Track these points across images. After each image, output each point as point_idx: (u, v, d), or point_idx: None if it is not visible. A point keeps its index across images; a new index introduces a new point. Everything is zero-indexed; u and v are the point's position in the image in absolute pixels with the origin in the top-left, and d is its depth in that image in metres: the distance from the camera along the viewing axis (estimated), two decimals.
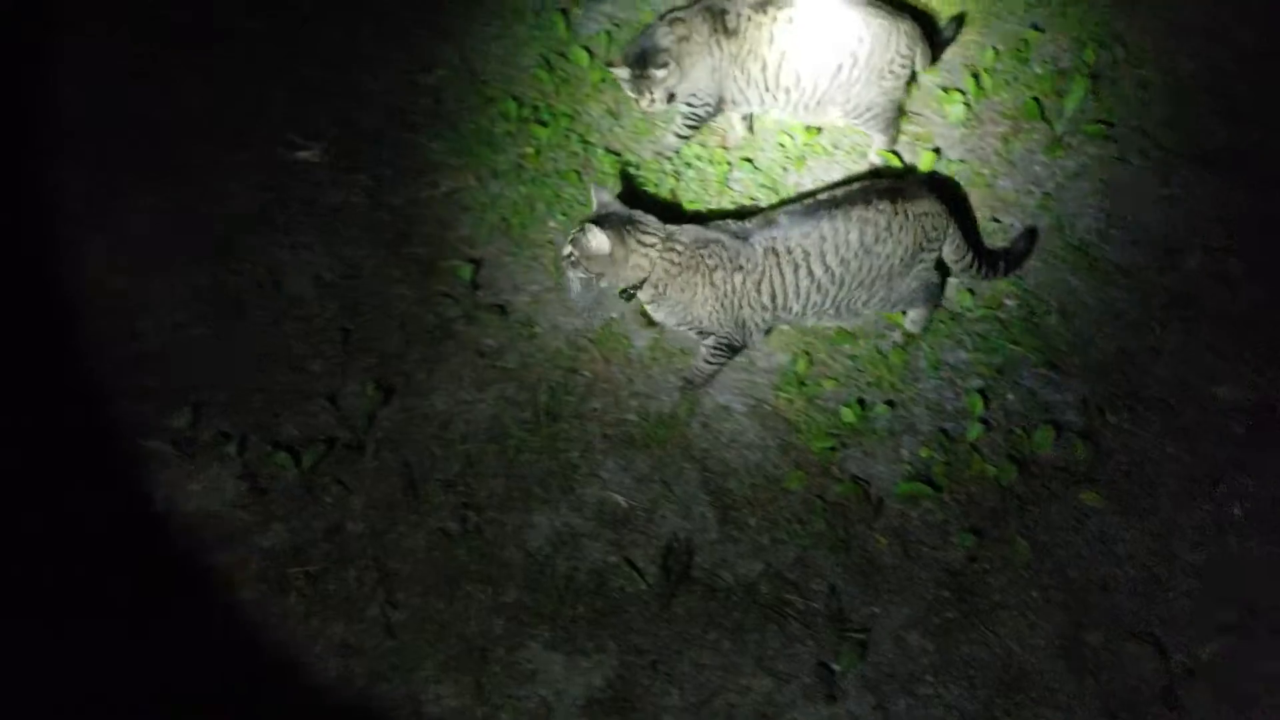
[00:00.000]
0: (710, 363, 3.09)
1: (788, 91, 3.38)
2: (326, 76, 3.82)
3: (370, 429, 3.04)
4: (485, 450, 3.01)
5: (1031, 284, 3.35)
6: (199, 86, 3.77)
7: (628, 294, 2.95)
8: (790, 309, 2.98)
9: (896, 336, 3.24)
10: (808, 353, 3.19)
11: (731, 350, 3.08)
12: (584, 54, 3.81)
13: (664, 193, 3.50)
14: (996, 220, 3.48)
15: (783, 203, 3.44)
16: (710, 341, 3.04)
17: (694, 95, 3.41)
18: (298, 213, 3.50)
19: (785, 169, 3.57)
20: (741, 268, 2.89)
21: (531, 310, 3.30)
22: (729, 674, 2.67)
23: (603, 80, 3.78)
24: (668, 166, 3.57)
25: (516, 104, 3.70)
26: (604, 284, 2.91)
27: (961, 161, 3.62)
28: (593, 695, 2.63)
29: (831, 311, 3.05)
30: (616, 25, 3.94)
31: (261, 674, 2.61)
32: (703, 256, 2.89)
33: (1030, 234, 3.36)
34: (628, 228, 2.86)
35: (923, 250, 2.99)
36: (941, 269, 3.15)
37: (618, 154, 3.60)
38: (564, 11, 3.95)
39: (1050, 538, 2.89)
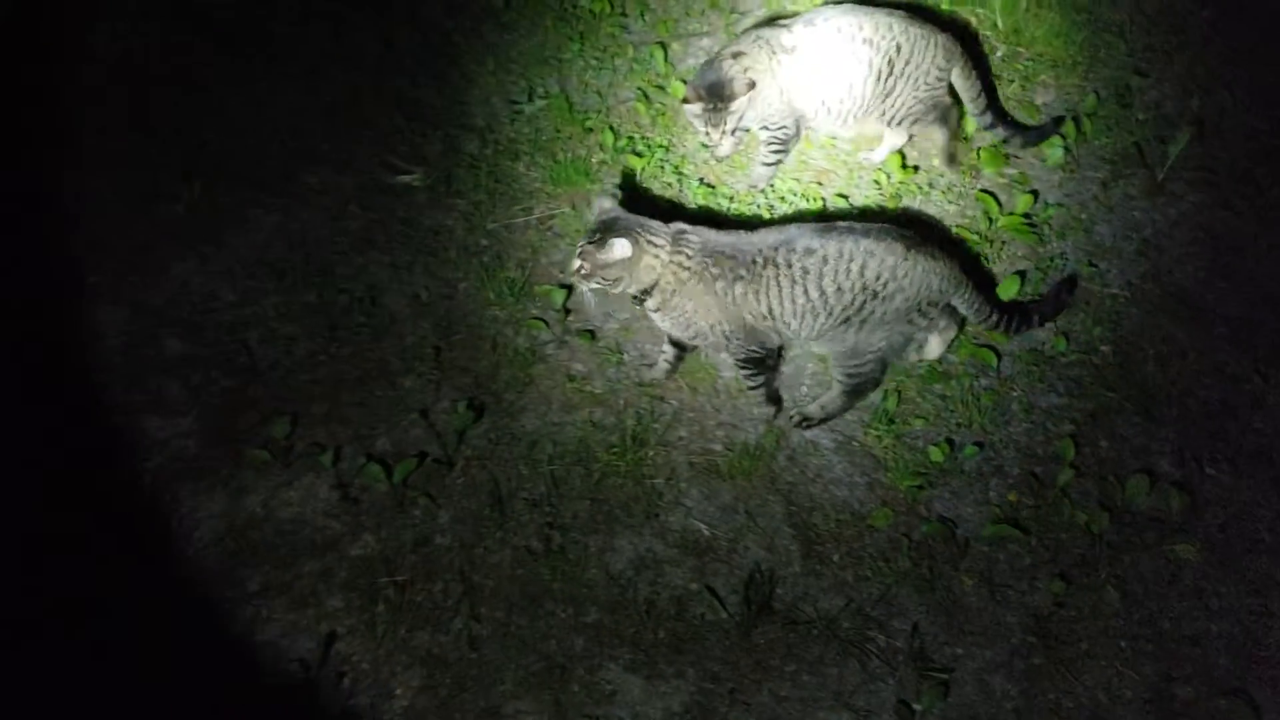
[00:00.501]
0: (749, 382, 3.11)
1: (840, 102, 3.49)
2: (434, 102, 3.94)
3: (460, 446, 3.09)
4: (571, 472, 3.05)
5: (1128, 330, 3.30)
6: (317, 109, 3.93)
7: (638, 299, 2.99)
8: (789, 324, 2.96)
9: (989, 378, 3.21)
10: (898, 390, 3.18)
11: (760, 364, 3.08)
12: (681, 87, 3.87)
13: (758, 224, 3.52)
14: (1093, 265, 3.44)
15: (802, 216, 3.50)
16: (734, 359, 3.07)
17: (768, 120, 3.46)
18: (398, 234, 3.60)
19: (881, 207, 3.57)
20: (741, 277, 2.90)
21: (620, 337, 3.34)
22: (807, 707, 2.66)
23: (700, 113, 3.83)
24: (761, 200, 3.60)
25: (614, 134, 3.77)
26: (618, 290, 2.95)
27: (1059, 205, 3.59)
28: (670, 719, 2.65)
29: (830, 341, 3.00)
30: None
31: (348, 678, 2.66)
32: (708, 264, 2.91)
33: (1069, 282, 3.30)
34: (638, 231, 2.91)
35: (925, 304, 2.94)
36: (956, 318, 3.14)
37: (711, 186, 3.65)
38: (663, 46, 4.03)
39: (1141, 588, 2.82)
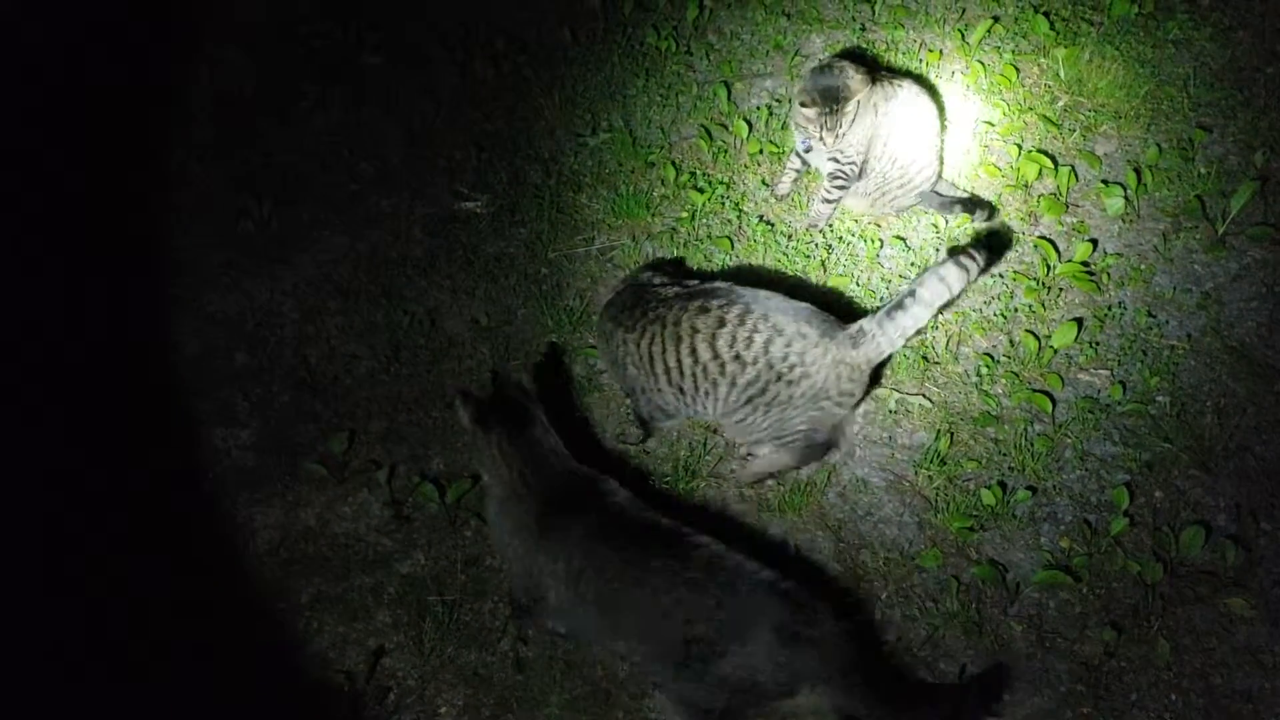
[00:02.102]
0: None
1: (901, 173, 3.59)
2: (503, 133, 4.04)
3: None
4: None
5: (1186, 382, 3.28)
6: (395, 137, 4.06)
7: None
8: (685, 392, 2.87)
9: (1043, 424, 3.20)
10: (951, 432, 3.18)
11: (645, 426, 3.11)
12: (744, 126, 3.93)
13: (814, 265, 3.56)
14: (1151, 316, 3.42)
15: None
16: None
17: (844, 152, 3.49)
18: (460, 259, 3.67)
19: (938, 249, 3.59)
20: (625, 325, 2.87)
21: None
22: None
23: (760, 152, 3.89)
24: (819, 239, 3.63)
25: (675, 170, 3.83)
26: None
27: (1118, 255, 3.58)
28: None
29: (724, 417, 2.88)
30: (777, 100, 4.06)
31: (393, 694, 2.69)
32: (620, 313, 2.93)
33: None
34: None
35: (827, 399, 2.82)
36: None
37: (770, 224, 3.69)
38: (727, 85, 4.09)
39: (1194, 642, 2.78)
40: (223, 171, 3.86)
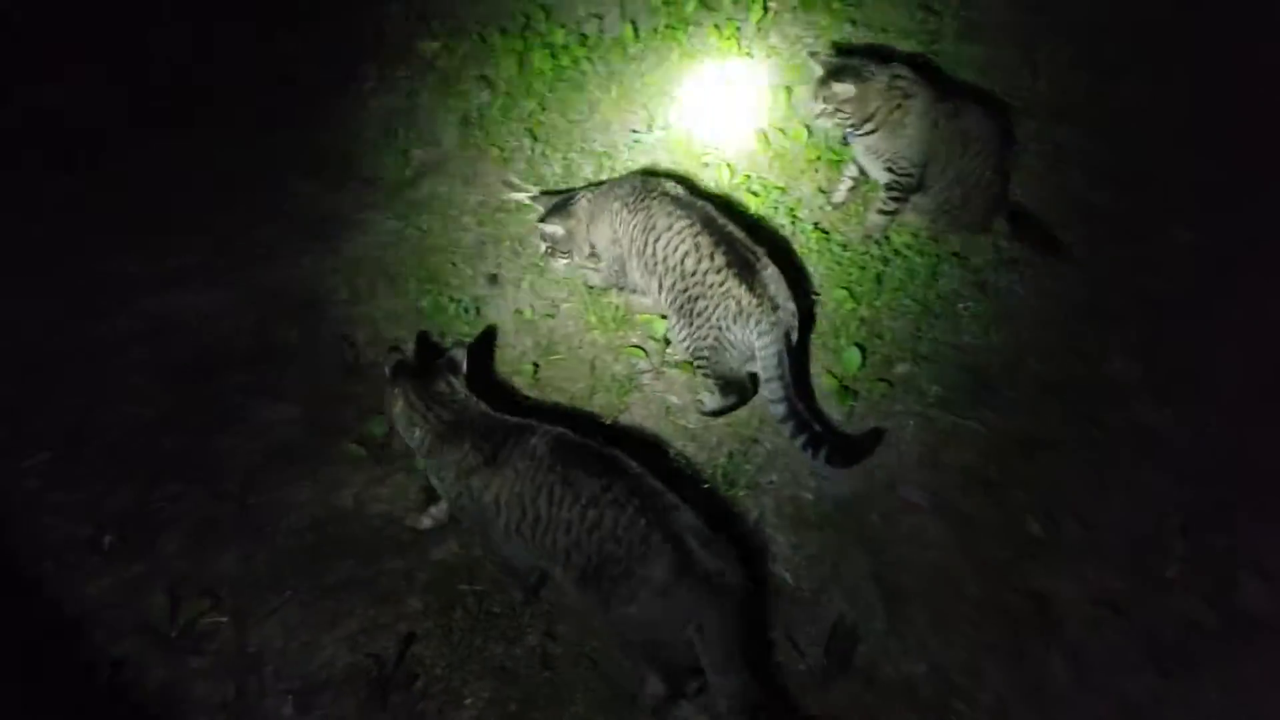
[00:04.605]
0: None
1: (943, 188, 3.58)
2: (558, 125, 4.01)
3: None
4: None
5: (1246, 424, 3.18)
6: (452, 123, 4.03)
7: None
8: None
9: (1096, 453, 3.12)
10: (1001, 457, 3.10)
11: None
12: (803, 131, 3.87)
13: (868, 277, 3.50)
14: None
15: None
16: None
17: (898, 161, 3.43)
18: (508, 250, 3.64)
19: (996, 269, 3.52)
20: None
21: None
22: None
23: (819, 159, 3.83)
24: (875, 251, 3.57)
25: (731, 171, 3.78)
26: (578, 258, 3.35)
27: None
28: None
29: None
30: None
31: (421, 681, 2.66)
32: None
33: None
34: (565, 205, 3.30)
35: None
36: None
37: (825, 233, 3.63)
38: (788, 89, 4.03)
39: (1243, 688, 2.69)
40: (279, 148, 3.85)
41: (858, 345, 3.35)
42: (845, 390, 3.27)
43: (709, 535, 2.47)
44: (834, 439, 3.02)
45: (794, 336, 3.07)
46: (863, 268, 3.53)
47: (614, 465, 2.57)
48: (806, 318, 3.33)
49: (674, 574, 2.40)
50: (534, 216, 3.51)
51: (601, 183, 3.44)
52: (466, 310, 3.45)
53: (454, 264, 3.59)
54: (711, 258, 3.04)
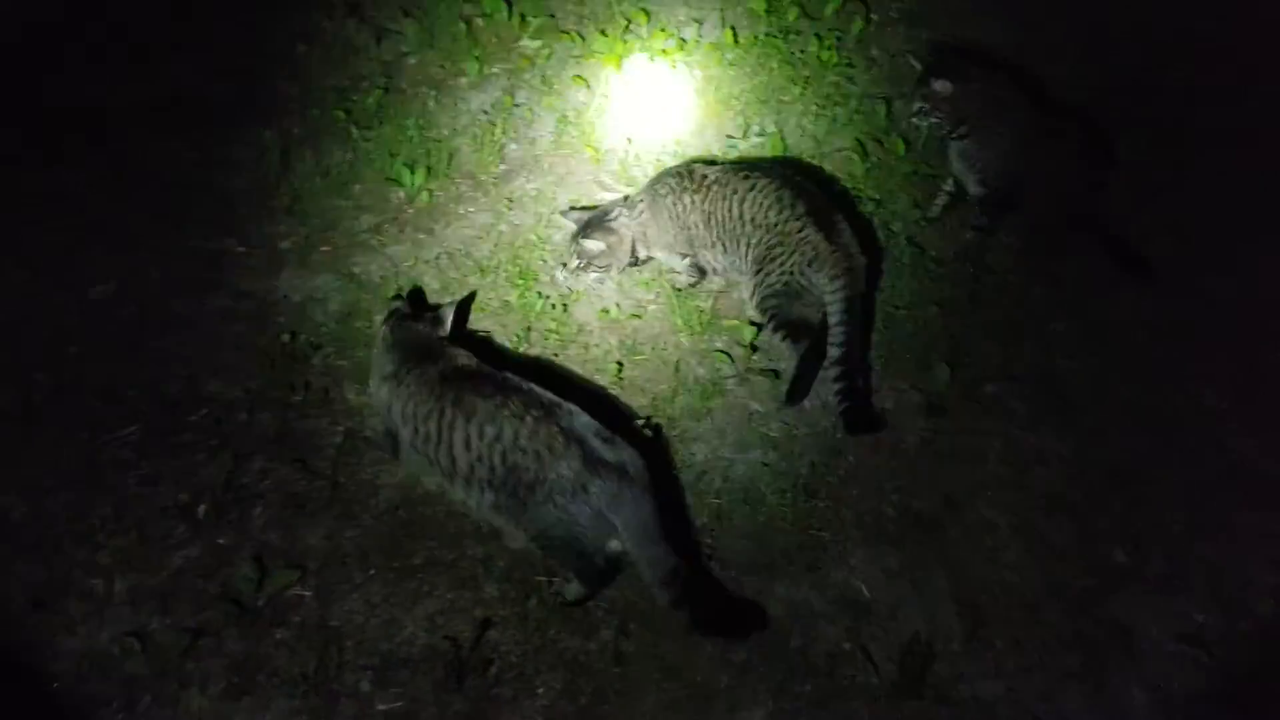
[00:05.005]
0: None
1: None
2: (653, 127, 4.04)
3: None
4: (736, 509, 3.02)
5: None
6: (548, 124, 4.08)
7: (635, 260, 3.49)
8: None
9: (1189, 484, 3.05)
10: (1088, 482, 3.05)
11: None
12: (901, 144, 3.85)
13: (962, 294, 3.47)
14: None
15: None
16: None
17: (989, 176, 3.40)
18: None
19: (1088, 291, 3.47)
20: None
21: (824, 378, 3.29)
22: None
23: (915, 173, 3.80)
24: (968, 268, 3.54)
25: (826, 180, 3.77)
26: (615, 272, 3.48)
27: None
28: None
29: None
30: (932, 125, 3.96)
31: (495, 666, 2.69)
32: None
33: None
34: (605, 219, 3.43)
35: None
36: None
37: (920, 248, 3.60)
38: (887, 101, 4.01)
39: None
40: (379, 139, 3.93)
41: (947, 363, 3.32)
42: (932, 407, 3.24)
43: (608, 433, 2.70)
44: (861, 404, 3.16)
45: (862, 288, 3.23)
46: (955, 284, 3.50)
47: (505, 384, 2.77)
48: (876, 274, 3.46)
49: (585, 469, 2.62)
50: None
51: (625, 198, 3.54)
52: (554, 306, 3.49)
53: (544, 260, 3.64)
54: (793, 207, 3.23)
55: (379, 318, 3.18)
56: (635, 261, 3.53)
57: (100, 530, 2.87)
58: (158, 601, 2.75)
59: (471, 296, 3.46)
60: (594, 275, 3.51)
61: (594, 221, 3.48)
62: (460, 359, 2.91)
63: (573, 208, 3.67)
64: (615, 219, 3.47)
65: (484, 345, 3.31)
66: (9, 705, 2.55)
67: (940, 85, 3.39)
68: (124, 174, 3.72)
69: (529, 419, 2.67)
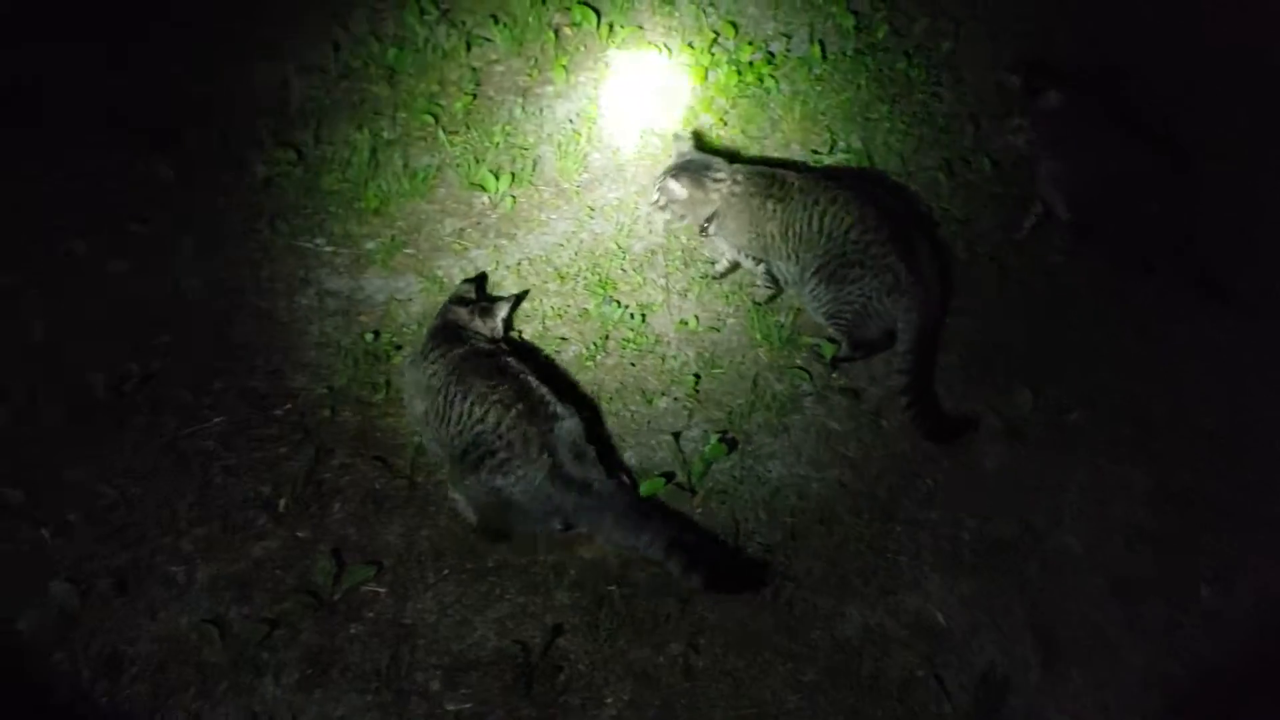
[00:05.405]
0: None
1: None
2: (737, 139, 4.03)
3: (705, 477, 3.10)
4: (811, 529, 3.00)
5: None
6: (631, 132, 4.09)
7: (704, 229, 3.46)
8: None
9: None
10: (1176, 513, 2.97)
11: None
12: (987, 163, 3.80)
13: (1045, 318, 3.42)
14: None
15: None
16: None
17: (1076, 194, 3.36)
18: (679, 259, 3.68)
19: (1169, 317, 3.40)
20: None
21: (884, 403, 3.27)
22: None
23: (1002, 194, 3.75)
24: (1052, 290, 3.50)
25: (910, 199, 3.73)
26: (685, 222, 3.50)
27: None
28: None
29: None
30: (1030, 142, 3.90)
31: (564, 674, 2.69)
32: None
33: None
34: (704, 172, 3.39)
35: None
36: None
37: (1005, 270, 3.54)
38: (975, 121, 3.96)
39: None
40: (466, 144, 3.97)
41: (1028, 387, 3.26)
42: (1012, 431, 3.18)
43: (583, 448, 2.85)
44: (933, 418, 3.18)
45: (936, 317, 3.27)
46: (1039, 308, 3.44)
47: (506, 369, 2.93)
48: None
49: (548, 478, 2.78)
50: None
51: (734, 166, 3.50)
52: (633, 316, 3.50)
53: (623, 269, 3.64)
54: (877, 230, 3.20)
55: None
56: (703, 231, 3.51)
57: (184, 518, 2.94)
58: (237, 590, 2.80)
59: (524, 294, 3.51)
60: (665, 217, 3.53)
61: (690, 167, 3.45)
62: (481, 343, 3.06)
63: (680, 137, 3.68)
64: (712, 178, 3.42)
65: (523, 346, 3.38)
66: (89, 686, 2.61)
67: (1046, 99, 3.33)
68: (217, 170, 3.80)
69: (514, 410, 2.82)
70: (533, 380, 2.93)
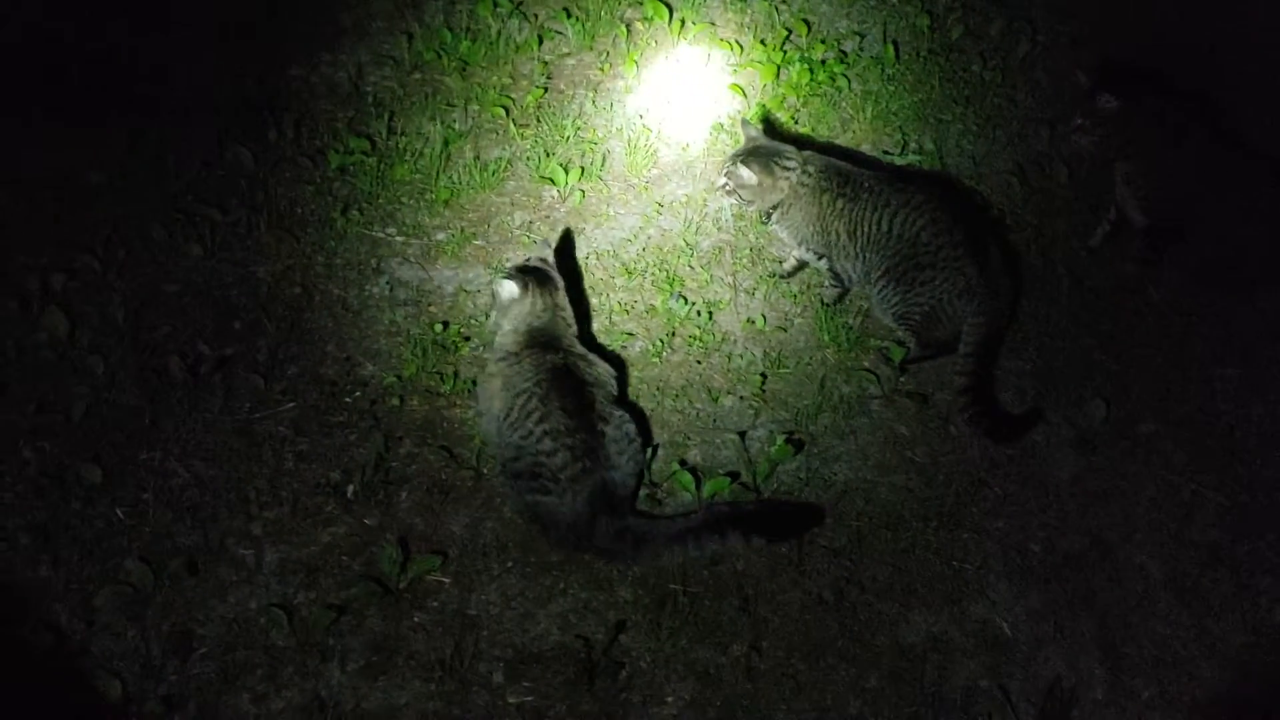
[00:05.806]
0: None
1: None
2: (810, 137, 4.00)
3: (770, 477, 3.09)
4: (877, 533, 2.98)
5: None
6: (702, 125, 4.08)
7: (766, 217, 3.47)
8: None
9: None
10: (1251, 534, 2.91)
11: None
12: (1064, 170, 3.74)
13: (1120, 329, 3.36)
14: None
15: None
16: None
17: (1156, 204, 3.30)
18: (746, 258, 3.66)
19: (1260, 336, 3.31)
20: None
21: (952, 410, 3.24)
22: None
23: (1076, 200, 3.69)
24: (1129, 302, 3.43)
25: (982, 203, 3.68)
26: (752, 209, 3.47)
27: None
28: None
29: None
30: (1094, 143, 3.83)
31: (625, 671, 2.70)
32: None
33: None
34: (774, 159, 3.35)
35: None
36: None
37: (1079, 278, 3.48)
38: (1051, 125, 3.90)
39: None
40: (536, 137, 3.99)
41: (1102, 398, 3.21)
42: (1084, 442, 3.13)
43: (625, 500, 2.90)
44: (992, 417, 3.17)
45: (1005, 320, 3.28)
46: (1114, 317, 3.38)
47: (586, 412, 2.88)
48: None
49: (588, 512, 2.83)
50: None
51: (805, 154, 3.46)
52: (699, 313, 3.49)
53: (691, 266, 3.64)
54: (950, 233, 3.19)
55: None
56: (765, 219, 3.50)
57: (254, 501, 2.98)
58: (305, 575, 2.84)
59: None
60: (731, 201, 3.52)
61: (760, 153, 3.41)
62: (574, 356, 3.02)
63: (749, 122, 3.66)
64: (782, 166, 3.39)
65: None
66: (160, 664, 2.67)
67: (1104, 101, 3.26)
68: (297, 159, 3.85)
69: (578, 466, 2.82)
70: (603, 433, 2.89)
